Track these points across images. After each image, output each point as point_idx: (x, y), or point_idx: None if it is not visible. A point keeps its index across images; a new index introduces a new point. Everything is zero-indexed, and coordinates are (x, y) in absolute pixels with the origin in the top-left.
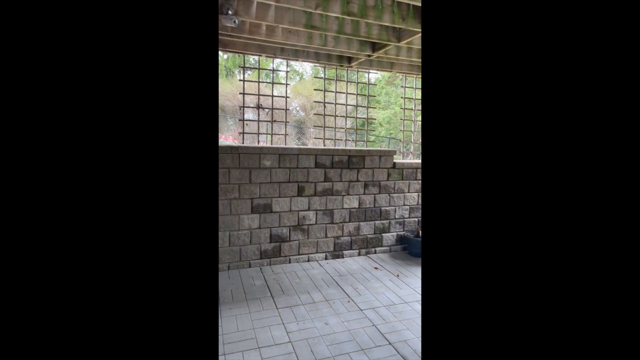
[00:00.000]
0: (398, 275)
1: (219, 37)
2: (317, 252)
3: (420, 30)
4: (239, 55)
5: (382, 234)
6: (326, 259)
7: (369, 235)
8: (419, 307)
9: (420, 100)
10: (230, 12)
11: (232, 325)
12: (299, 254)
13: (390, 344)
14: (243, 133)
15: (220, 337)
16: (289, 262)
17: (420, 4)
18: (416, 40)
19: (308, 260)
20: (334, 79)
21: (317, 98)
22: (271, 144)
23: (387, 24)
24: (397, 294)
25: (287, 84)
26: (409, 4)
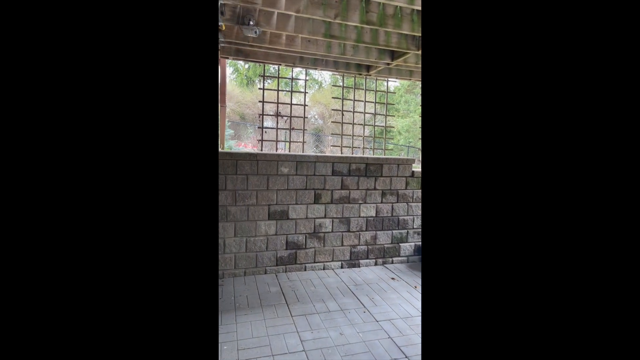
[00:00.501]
0: (416, 287)
1: (241, 47)
2: (332, 261)
3: None
4: (259, 65)
5: (400, 244)
6: (342, 267)
7: (386, 245)
8: None
9: None
10: (251, 23)
11: (247, 332)
12: (314, 262)
13: (406, 357)
14: (262, 140)
15: (234, 343)
16: (305, 270)
17: None
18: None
19: (324, 269)
20: (352, 88)
21: (335, 106)
22: (289, 151)
23: (406, 33)
24: (415, 306)
25: (305, 93)
26: None
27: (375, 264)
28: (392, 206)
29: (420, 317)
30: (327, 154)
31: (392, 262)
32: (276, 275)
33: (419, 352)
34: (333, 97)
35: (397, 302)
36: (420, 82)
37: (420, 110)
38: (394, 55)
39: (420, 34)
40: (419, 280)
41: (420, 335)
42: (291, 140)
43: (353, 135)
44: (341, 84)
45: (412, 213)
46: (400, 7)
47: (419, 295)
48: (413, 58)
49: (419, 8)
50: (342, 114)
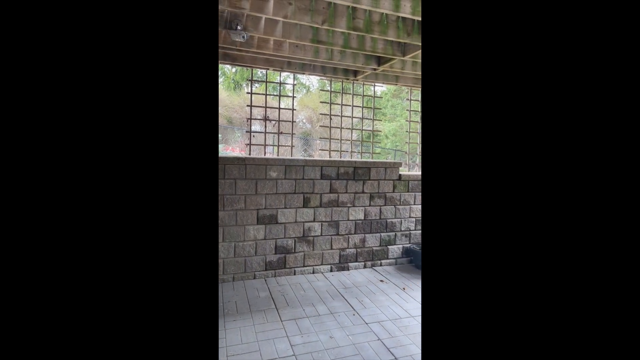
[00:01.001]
0: (404, 289)
1: (229, 51)
2: (322, 264)
3: None
4: (247, 69)
5: (388, 246)
6: (331, 271)
7: (374, 248)
8: None
9: None
10: (239, 28)
11: (236, 338)
12: (304, 266)
13: (396, 359)
14: (250, 144)
15: (223, 350)
16: (294, 274)
17: None
18: (421, 55)
19: (313, 272)
20: (340, 92)
21: (323, 110)
22: (277, 155)
23: (392, 39)
24: (403, 308)
25: (293, 97)
26: (414, 20)
27: (364, 266)
28: (380, 209)
29: (408, 319)
30: (316, 157)
31: (381, 265)
32: (265, 280)
33: (408, 353)
34: (321, 102)
35: (386, 304)
36: (405, 87)
37: (406, 114)
38: (380, 60)
39: (405, 41)
40: (407, 282)
41: (408, 336)
42: (279, 144)
43: (341, 139)
44: (329, 88)
45: (400, 216)
46: (386, 14)
47: (407, 297)
48: (399, 64)
49: (404, 15)
50: (330, 118)
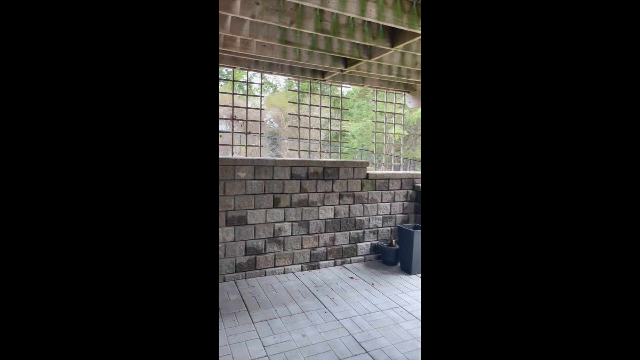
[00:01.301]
0: (373, 284)
1: None
2: (293, 264)
3: (389, 48)
4: None
5: (357, 244)
6: (302, 270)
7: (344, 245)
8: (393, 314)
9: (390, 114)
10: None
11: None
12: (274, 266)
13: (366, 352)
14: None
15: None
16: (265, 275)
17: (389, 24)
18: (386, 58)
19: (284, 272)
20: (307, 92)
21: (291, 110)
22: (246, 155)
23: (358, 42)
24: (373, 303)
25: (261, 96)
26: (379, 24)
27: (334, 264)
28: (349, 207)
29: (377, 313)
30: (285, 157)
31: (350, 262)
32: (235, 282)
33: (378, 346)
34: (289, 102)
35: (356, 300)
36: (371, 88)
37: (372, 114)
38: (347, 62)
39: (371, 44)
40: (376, 278)
41: (378, 330)
42: (247, 144)
43: (310, 139)
44: (296, 88)
45: (368, 213)
46: (353, 17)
47: (377, 292)
48: (365, 66)
49: (370, 19)
50: (299, 118)
